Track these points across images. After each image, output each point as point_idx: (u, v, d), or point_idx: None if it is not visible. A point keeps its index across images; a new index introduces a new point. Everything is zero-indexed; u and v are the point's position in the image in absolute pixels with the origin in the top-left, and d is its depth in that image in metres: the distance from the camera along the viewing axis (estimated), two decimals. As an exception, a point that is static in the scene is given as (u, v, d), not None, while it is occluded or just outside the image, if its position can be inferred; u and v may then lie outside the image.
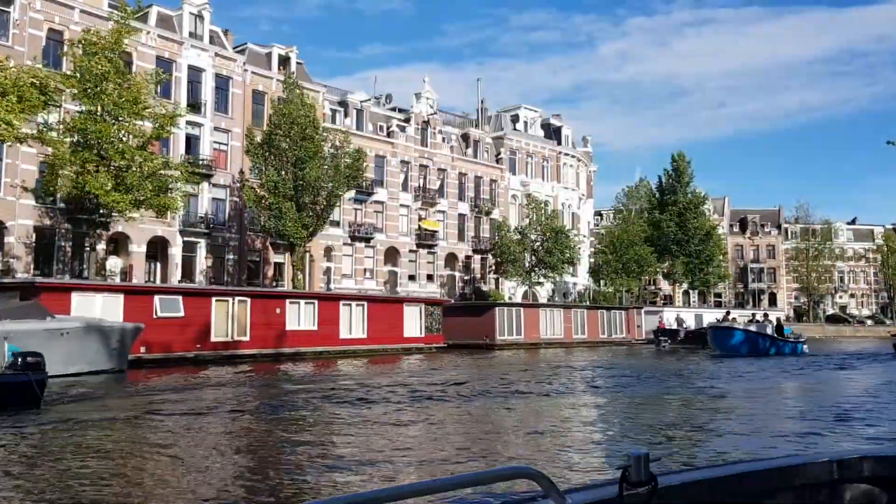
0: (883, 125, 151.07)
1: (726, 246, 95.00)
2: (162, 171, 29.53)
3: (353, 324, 29.52)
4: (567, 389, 17.07)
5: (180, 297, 24.14)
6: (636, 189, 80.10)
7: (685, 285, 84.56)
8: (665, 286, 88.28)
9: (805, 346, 34.74)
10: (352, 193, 47.81)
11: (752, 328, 32.80)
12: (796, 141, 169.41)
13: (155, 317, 23.13)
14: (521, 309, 40.90)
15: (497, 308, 39.21)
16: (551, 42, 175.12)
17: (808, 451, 7.97)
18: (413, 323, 32.39)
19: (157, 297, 23.56)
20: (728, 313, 39.69)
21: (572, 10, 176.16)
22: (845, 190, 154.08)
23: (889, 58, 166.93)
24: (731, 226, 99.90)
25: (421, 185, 54.36)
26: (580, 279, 64.40)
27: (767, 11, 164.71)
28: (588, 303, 55.37)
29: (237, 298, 25.69)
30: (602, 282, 59.64)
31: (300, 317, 27.48)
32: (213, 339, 24.67)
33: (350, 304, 29.86)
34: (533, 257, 52.55)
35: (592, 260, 64.31)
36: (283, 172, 36.34)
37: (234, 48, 45.97)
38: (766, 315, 35.89)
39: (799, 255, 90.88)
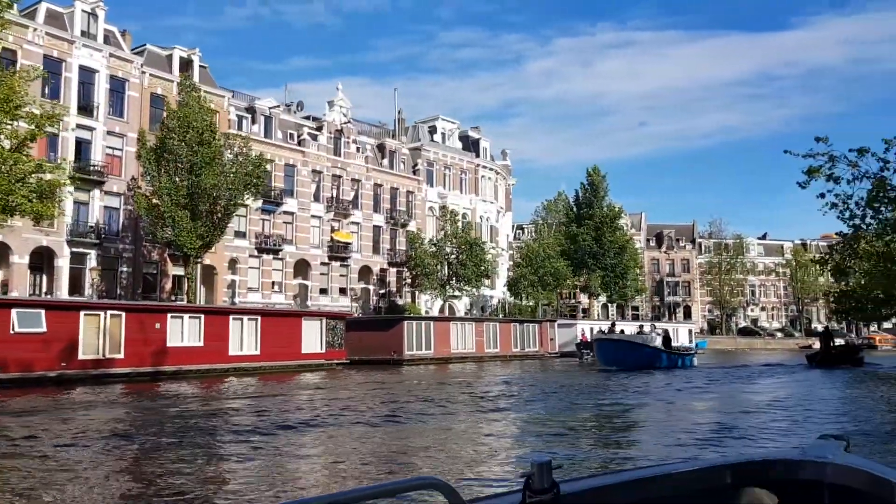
0: (793, 146, 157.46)
1: (643, 260, 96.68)
2: (35, 175, 27.16)
3: (244, 339, 27.76)
4: (456, 406, 15.97)
5: (42, 311, 21.99)
6: (554, 203, 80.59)
7: (603, 298, 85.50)
8: (584, 299, 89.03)
9: (695, 359, 34.24)
10: (259, 203, 45.96)
11: (638, 340, 32.02)
12: (713, 160, 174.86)
13: (12, 332, 20.98)
14: (431, 322, 39.80)
15: (405, 322, 37.98)
16: (480, 59, 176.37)
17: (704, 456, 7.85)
18: (312, 338, 30.80)
19: (14, 311, 21.37)
20: (614, 325, 38.72)
21: (500, 28, 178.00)
22: (757, 207, 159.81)
23: (799, 82, 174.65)
24: (647, 240, 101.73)
25: (334, 195, 52.81)
26: (498, 292, 63.84)
27: (686, 35, 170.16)
28: (502, 316, 54.75)
29: (110, 312, 23.65)
30: (519, 295, 59.12)
31: (184, 332, 25.59)
32: (82, 356, 22.58)
33: (241, 319, 28.09)
34: (448, 270, 51.62)
35: (510, 273, 63.85)
36: (178, 179, 34.32)
37: (132, 49, 43.59)
38: (653, 326, 35.41)
39: (712, 269, 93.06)
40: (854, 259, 20.36)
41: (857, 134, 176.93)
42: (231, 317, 27.87)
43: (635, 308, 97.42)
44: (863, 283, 28.05)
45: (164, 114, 38.70)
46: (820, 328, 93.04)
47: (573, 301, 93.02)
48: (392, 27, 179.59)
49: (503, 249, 67.92)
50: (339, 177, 53.44)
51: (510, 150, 76.85)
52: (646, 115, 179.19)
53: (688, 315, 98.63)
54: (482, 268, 50.52)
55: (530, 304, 59.57)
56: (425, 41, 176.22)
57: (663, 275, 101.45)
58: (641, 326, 35.72)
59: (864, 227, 19.73)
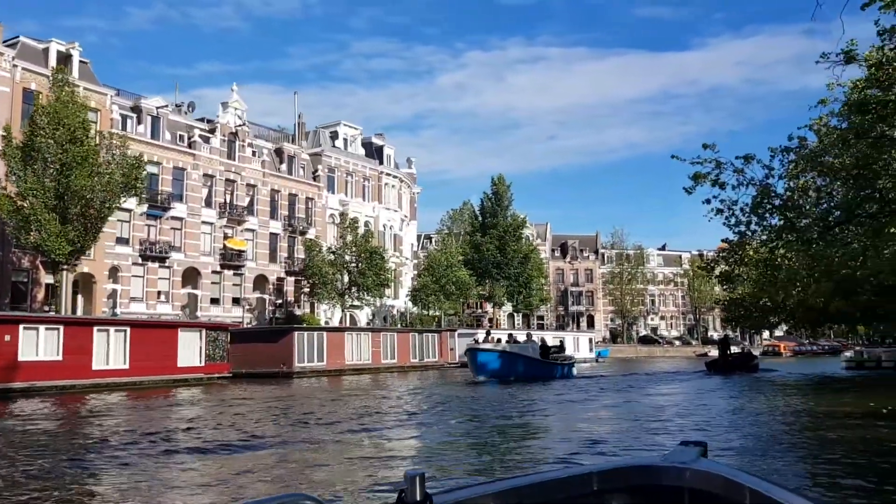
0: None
1: (548, 270, 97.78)
2: None
3: (110, 352, 25.48)
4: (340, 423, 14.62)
5: None
6: (460, 212, 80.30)
7: (509, 308, 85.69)
8: (491, 309, 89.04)
9: (574, 369, 33.10)
10: (143, 208, 43.23)
11: (510, 349, 30.02)
12: (618, 174, 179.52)
13: None
14: (324, 333, 38.16)
15: (296, 332, 36.24)
16: (393, 70, 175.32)
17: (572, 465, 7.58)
18: (190, 351, 28.71)
19: None
20: (489, 333, 36.75)
21: (413, 40, 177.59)
22: (658, 219, 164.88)
23: (700, 100, 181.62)
24: (552, 250, 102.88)
25: (227, 200, 50.43)
26: (401, 302, 62.64)
27: (593, 52, 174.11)
28: (401, 326, 53.53)
29: (-53, 324, 21.14)
30: (422, 305, 58.12)
31: (39, 345, 23.18)
32: (-90, 373, 20.00)
33: (107, 330, 25.78)
34: (348, 279, 50.04)
35: (414, 283, 62.82)
36: (46, 179, 31.55)
37: (4, 41, 40.27)
38: (529, 336, 34.12)
39: (614, 278, 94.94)
40: (741, 266, 20.25)
41: (752, 151, 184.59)
42: (95, 328, 25.51)
43: (540, 317, 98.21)
44: (750, 291, 28.49)
45: (34, 109, 35.72)
46: (716, 336, 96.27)
47: (479, 311, 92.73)
48: (305, 34, 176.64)
49: (407, 259, 66.85)
50: (234, 181, 51.11)
51: (423, 161, 76.74)
52: (555, 129, 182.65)
53: (591, 324, 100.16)
54: (382, 277, 49.19)
55: (436, 313, 58.74)
56: (339, 50, 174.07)
57: (567, 284, 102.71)
58: (511, 335, 33.52)
59: (750, 233, 19.58)
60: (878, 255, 18.16)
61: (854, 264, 20.16)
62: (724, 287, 20.41)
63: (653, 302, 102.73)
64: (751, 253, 20.05)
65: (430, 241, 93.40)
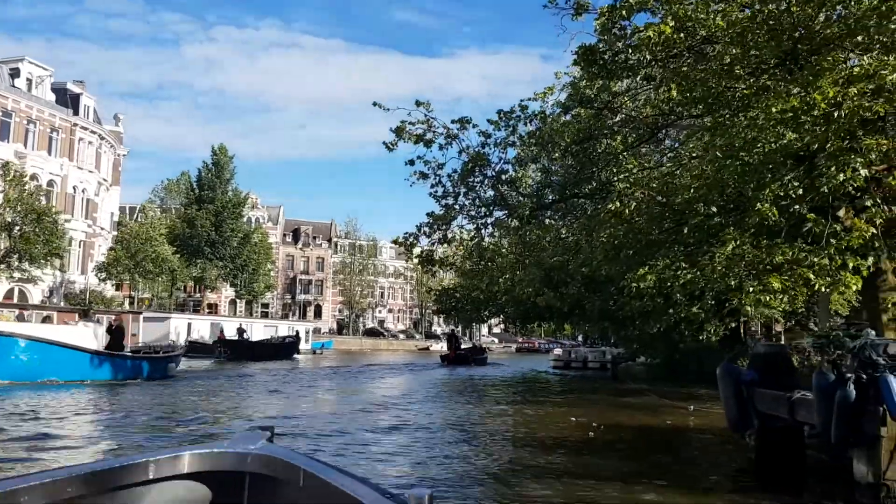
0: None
1: (277, 255, 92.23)
2: None
3: None
4: None
5: None
6: (176, 183, 71.77)
7: (231, 293, 78.80)
8: (212, 294, 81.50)
9: (173, 364, 26.58)
10: None
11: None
12: (364, 167, 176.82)
13: None
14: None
15: None
16: (134, 34, 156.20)
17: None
18: None
19: None
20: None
21: (159, 4, 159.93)
22: (397, 214, 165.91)
23: (447, 107, 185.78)
24: (284, 235, 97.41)
25: None
26: (89, 279, 53.44)
27: (349, 46, 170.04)
28: (78, 305, 45.08)
29: None
30: (113, 283, 49.79)
31: None
32: None
33: None
34: (9, 244, 40.70)
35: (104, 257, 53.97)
36: None
37: None
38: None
39: (345, 269, 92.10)
40: (446, 244, 17.12)
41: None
42: None
43: (265, 305, 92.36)
44: (462, 281, 26.26)
45: None
46: (440, 331, 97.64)
47: (198, 295, 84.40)
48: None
49: (103, 229, 57.45)
50: None
51: (162, 136, 66.56)
52: (307, 118, 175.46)
53: (319, 314, 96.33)
54: (54, 245, 40.61)
55: (146, 295, 50.81)
56: (72, 2, 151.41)
57: (298, 272, 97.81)
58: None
59: (458, 207, 16.44)
60: (592, 241, 15.80)
61: (566, 255, 17.91)
62: (426, 270, 17.37)
63: (382, 294, 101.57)
64: (458, 231, 17.00)
65: (145, 215, 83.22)
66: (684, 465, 9.76)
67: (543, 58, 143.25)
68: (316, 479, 2.29)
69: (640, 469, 9.07)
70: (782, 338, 35.46)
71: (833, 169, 9.72)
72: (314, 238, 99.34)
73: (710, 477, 9.06)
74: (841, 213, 11.22)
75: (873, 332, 7.12)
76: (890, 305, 13.72)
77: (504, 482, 8.22)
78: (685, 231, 12.48)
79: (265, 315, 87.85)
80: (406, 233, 15.67)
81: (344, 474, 2.34)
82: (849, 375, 6.67)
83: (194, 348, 41.19)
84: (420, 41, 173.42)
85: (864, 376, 6.52)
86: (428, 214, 16.44)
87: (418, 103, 16.80)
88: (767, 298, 11.43)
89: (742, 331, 29.87)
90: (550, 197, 16.54)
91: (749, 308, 11.42)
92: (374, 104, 15.85)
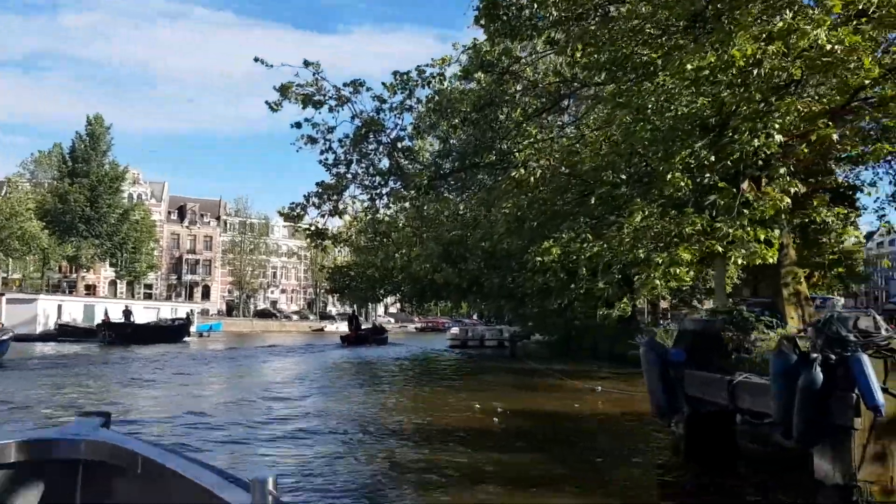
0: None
1: (162, 233, 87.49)
2: None
3: None
4: None
5: None
6: (48, 156, 66.39)
7: (110, 272, 74.21)
8: (91, 275, 76.47)
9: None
10: None
11: None
12: (258, 143, 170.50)
13: None
14: None
15: None
16: None
17: None
18: None
19: None
20: None
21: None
22: (292, 192, 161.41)
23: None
24: (169, 213, 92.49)
25: None
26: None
27: (240, 20, 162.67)
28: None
29: None
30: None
31: None
32: None
33: None
34: None
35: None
36: None
37: None
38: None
39: (235, 248, 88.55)
40: (338, 215, 15.82)
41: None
42: None
43: (149, 286, 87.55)
44: (357, 259, 25.01)
45: None
46: (335, 312, 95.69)
47: (74, 275, 78.92)
48: None
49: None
50: None
51: (42, 111, 60.78)
52: (198, 92, 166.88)
53: (207, 295, 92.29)
54: None
55: (16, 275, 46.52)
56: None
57: (184, 251, 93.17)
58: None
59: (351, 176, 15.20)
60: (491, 215, 14.98)
61: (465, 230, 17.05)
62: (315, 245, 16.03)
63: (275, 275, 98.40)
64: (351, 203, 15.76)
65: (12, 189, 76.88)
66: (602, 458, 8.68)
67: (440, 38, 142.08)
68: (155, 466, 2.23)
69: (552, 466, 8.03)
70: (669, 315, 36.23)
71: (747, 134, 9.18)
72: (202, 216, 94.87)
73: (633, 472, 8.05)
74: (745, 185, 10.81)
75: (841, 302, 6.20)
76: (791, 280, 13.58)
77: (397, 487, 7.17)
78: (591, 201, 11.79)
79: (149, 297, 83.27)
80: (293, 203, 14.29)
81: (187, 460, 2.28)
82: (814, 355, 5.66)
83: (65, 332, 38.14)
84: (314, 16, 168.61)
85: (833, 356, 5.51)
86: (318, 184, 15.14)
87: (307, 63, 15.43)
88: (676, 271, 10.86)
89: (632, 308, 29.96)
90: (449, 166, 15.55)
91: (658, 282, 10.82)
92: (256, 59, 14.36)
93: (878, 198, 15.89)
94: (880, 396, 5.42)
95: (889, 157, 14.60)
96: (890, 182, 15.56)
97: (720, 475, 7.42)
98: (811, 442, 5.74)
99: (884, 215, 16.22)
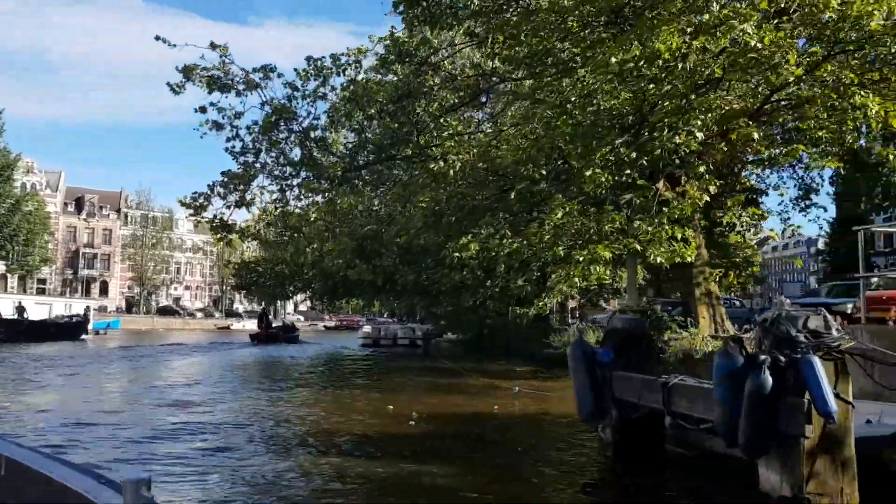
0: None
1: (57, 226, 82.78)
2: None
3: None
4: None
5: None
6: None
7: (0, 266, 69.79)
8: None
9: None
10: None
11: None
12: (161, 137, 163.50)
13: None
14: None
15: None
16: None
17: None
18: None
19: None
20: None
21: None
22: (197, 187, 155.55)
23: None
24: (65, 204, 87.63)
25: None
26: None
27: (148, 7, 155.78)
28: None
29: None
30: None
31: None
32: None
33: None
34: None
35: None
36: None
37: None
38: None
39: (136, 242, 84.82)
40: (245, 206, 15.03)
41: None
42: None
43: (42, 281, 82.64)
44: (265, 254, 24.07)
45: None
46: (242, 309, 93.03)
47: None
48: None
49: None
50: None
51: None
52: (103, 80, 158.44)
53: (105, 291, 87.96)
54: None
55: None
56: None
57: (81, 244, 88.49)
58: None
59: (259, 165, 14.45)
60: (407, 210, 14.54)
61: (380, 225, 16.56)
62: (220, 238, 15.14)
63: (178, 270, 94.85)
64: (259, 194, 14.96)
65: None
66: (526, 466, 8.32)
67: (357, 35, 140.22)
68: (21, 468, 2.18)
69: (473, 477, 7.45)
70: (577, 315, 36.67)
71: (667, 131, 9.07)
72: (101, 208, 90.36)
73: (559, 485, 7.50)
74: (660, 184, 10.76)
75: (788, 301, 5.80)
76: (702, 280, 13.68)
77: (292, 498, 6.61)
78: (511, 197, 11.51)
79: (42, 292, 78.64)
80: (195, 192, 13.42)
81: (56, 461, 2.24)
82: (763, 357, 5.25)
83: (-60, 329, 35.40)
84: (224, 5, 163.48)
85: (783, 358, 5.14)
86: (223, 173, 14.31)
87: (213, 45, 14.58)
88: (596, 269, 10.69)
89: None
90: (362, 160, 15.02)
91: (577, 279, 10.64)
92: (157, 38, 13.44)
93: (782, 201, 16.34)
94: (833, 402, 5.16)
95: (794, 162, 15.01)
96: (795, 186, 16.02)
97: (651, 481, 7.14)
98: (759, 451, 5.41)
99: (788, 218, 16.70)
